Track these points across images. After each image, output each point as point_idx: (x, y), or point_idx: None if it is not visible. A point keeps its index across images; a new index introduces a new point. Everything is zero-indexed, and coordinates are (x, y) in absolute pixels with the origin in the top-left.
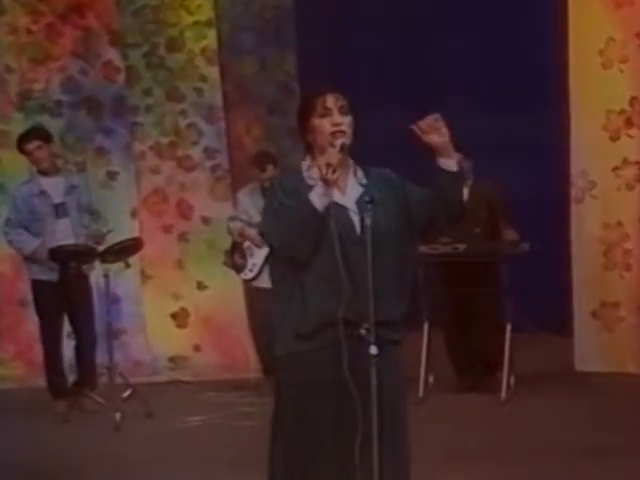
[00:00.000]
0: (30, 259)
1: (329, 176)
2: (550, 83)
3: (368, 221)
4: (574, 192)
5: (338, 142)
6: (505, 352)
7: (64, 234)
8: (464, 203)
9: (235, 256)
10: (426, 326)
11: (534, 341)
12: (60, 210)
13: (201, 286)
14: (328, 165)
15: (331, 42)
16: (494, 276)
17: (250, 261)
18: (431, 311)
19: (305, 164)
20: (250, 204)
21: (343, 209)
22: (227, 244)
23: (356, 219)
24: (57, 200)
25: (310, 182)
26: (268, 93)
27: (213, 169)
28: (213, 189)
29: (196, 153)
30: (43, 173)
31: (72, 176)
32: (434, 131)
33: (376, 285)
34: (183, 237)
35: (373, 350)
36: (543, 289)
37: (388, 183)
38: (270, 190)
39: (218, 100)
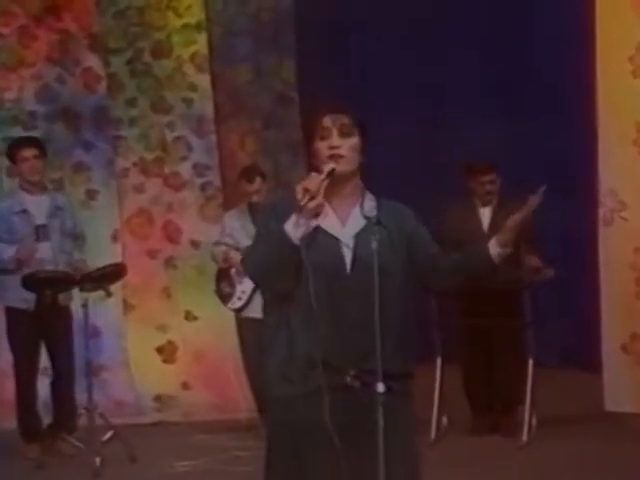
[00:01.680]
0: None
1: (306, 203)
2: (575, 94)
3: (374, 245)
4: (602, 213)
5: (327, 167)
6: (527, 390)
7: (43, 259)
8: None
9: (222, 284)
10: (439, 361)
11: (559, 378)
12: (41, 232)
13: (190, 317)
14: (305, 190)
15: (334, 47)
16: (515, 306)
17: (239, 288)
18: (445, 345)
19: None
20: (237, 227)
21: (334, 242)
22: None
23: (348, 255)
24: (39, 221)
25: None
26: (264, 104)
27: (203, 187)
28: (203, 209)
29: (185, 170)
30: (27, 190)
31: (58, 196)
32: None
33: (369, 329)
34: (170, 263)
35: (380, 388)
36: (568, 320)
37: (400, 220)
38: (263, 213)
39: (209, 111)
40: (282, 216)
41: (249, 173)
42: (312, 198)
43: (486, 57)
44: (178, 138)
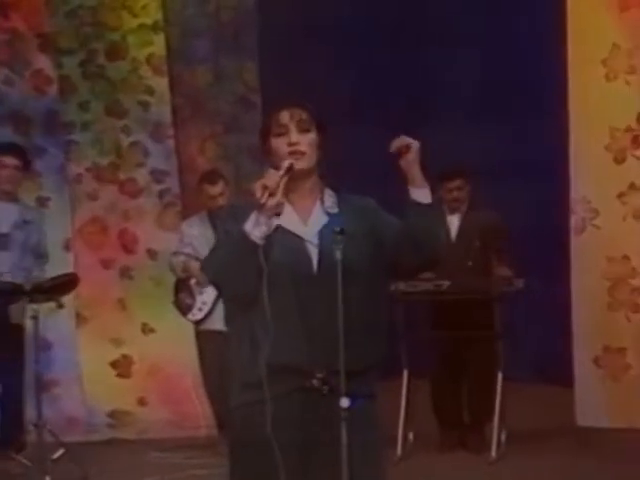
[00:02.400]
0: None
1: (264, 201)
2: (546, 98)
3: (338, 254)
4: (574, 221)
5: (285, 163)
6: (496, 404)
7: None
8: (439, 244)
9: (181, 295)
10: (405, 375)
11: (529, 392)
12: (1, 242)
13: (147, 329)
14: (264, 187)
15: (298, 48)
16: (484, 317)
17: (199, 299)
18: (411, 358)
19: None
20: (197, 235)
21: (299, 241)
22: None
23: (314, 253)
24: (1, 230)
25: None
26: (225, 107)
27: (161, 194)
28: (161, 217)
29: (141, 176)
30: None
31: (29, 211)
32: (402, 154)
33: (338, 330)
34: (126, 273)
35: (344, 403)
36: (539, 332)
37: (362, 213)
38: (221, 217)
39: (167, 115)
40: (241, 218)
41: (211, 176)
42: (271, 195)
43: (454, 58)
44: (134, 143)
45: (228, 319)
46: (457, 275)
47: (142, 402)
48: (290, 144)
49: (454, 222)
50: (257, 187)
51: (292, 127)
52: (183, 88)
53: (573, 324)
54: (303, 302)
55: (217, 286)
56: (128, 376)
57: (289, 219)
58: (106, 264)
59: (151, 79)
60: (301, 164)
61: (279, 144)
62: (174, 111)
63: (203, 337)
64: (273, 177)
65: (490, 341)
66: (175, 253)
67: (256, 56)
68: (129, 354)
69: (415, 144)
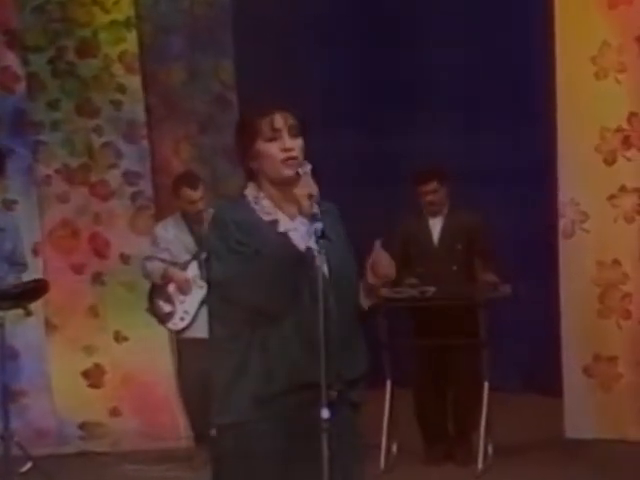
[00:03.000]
0: None
1: (315, 210)
2: (533, 97)
3: (322, 260)
4: (563, 225)
5: (307, 168)
6: (482, 415)
7: None
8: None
9: (158, 301)
10: (388, 385)
11: (516, 402)
12: None
13: (119, 337)
14: (310, 196)
15: (275, 46)
16: (469, 325)
17: (180, 308)
18: (395, 367)
19: (251, 194)
20: (171, 239)
21: (309, 251)
22: None
23: (324, 260)
24: None
25: (266, 217)
26: (200, 106)
27: (134, 197)
28: (134, 221)
29: (113, 178)
30: None
31: (3, 217)
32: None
33: (342, 337)
34: (97, 279)
35: (325, 414)
36: (527, 340)
37: (335, 218)
38: (217, 225)
39: (140, 115)
40: (245, 227)
41: (191, 179)
42: (317, 204)
43: (438, 57)
44: (106, 144)
45: (232, 334)
46: (442, 280)
47: (115, 413)
48: (285, 149)
49: (436, 226)
50: (304, 197)
51: (285, 132)
52: (157, 87)
53: (562, 332)
54: (324, 311)
55: (251, 303)
56: (100, 386)
57: (286, 227)
58: (77, 269)
59: (123, 77)
60: (295, 170)
61: (272, 149)
62: (148, 110)
63: (184, 346)
64: (312, 184)
65: (475, 349)
66: (149, 257)
67: (232, 53)
68: (101, 363)
69: (393, 275)
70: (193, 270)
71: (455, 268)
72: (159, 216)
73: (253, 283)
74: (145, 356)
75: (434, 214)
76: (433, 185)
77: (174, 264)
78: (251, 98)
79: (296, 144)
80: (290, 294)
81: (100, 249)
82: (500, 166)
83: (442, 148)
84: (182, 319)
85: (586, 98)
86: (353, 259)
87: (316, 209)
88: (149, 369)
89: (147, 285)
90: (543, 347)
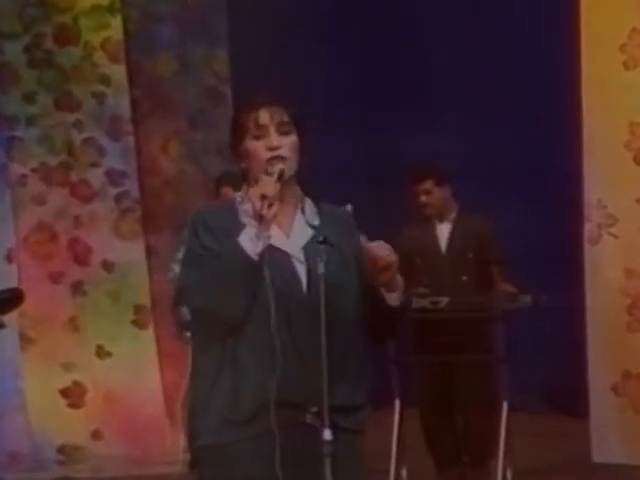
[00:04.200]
0: None
1: (264, 212)
2: (557, 89)
3: (321, 269)
4: (588, 229)
5: (275, 169)
6: (500, 438)
7: None
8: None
9: (181, 309)
10: (397, 404)
11: (538, 424)
12: None
13: (102, 353)
14: (263, 197)
15: (272, 35)
16: (485, 339)
17: None
18: (404, 385)
19: (239, 196)
20: None
21: (285, 257)
22: (137, 297)
23: (302, 271)
24: None
25: (245, 220)
26: (191, 100)
27: (118, 199)
28: (118, 225)
29: (95, 177)
30: None
31: None
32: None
33: (330, 359)
34: (78, 288)
35: (327, 435)
36: (549, 356)
37: (345, 226)
38: (190, 230)
39: (125, 109)
40: (217, 231)
41: (233, 179)
42: (271, 205)
43: (452, 47)
44: (87, 140)
45: (202, 347)
46: (450, 292)
47: (97, 435)
48: (270, 148)
49: (443, 232)
50: (255, 196)
51: (272, 129)
52: (143, 78)
53: (588, 346)
54: (293, 327)
55: (204, 314)
56: (80, 406)
57: (272, 232)
58: (55, 278)
59: (107, 67)
60: (283, 168)
61: (257, 148)
62: (133, 104)
63: None
64: (270, 184)
65: (492, 366)
66: (178, 261)
67: (226, 43)
68: (82, 381)
69: (395, 260)
70: None
71: (465, 278)
72: (147, 220)
73: (204, 288)
74: (130, 373)
75: (442, 219)
76: (427, 185)
77: None
78: (246, 91)
79: (286, 142)
80: (247, 302)
81: (81, 256)
82: (519, 166)
83: (454, 147)
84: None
85: (614, 90)
86: (352, 273)
87: (265, 212)
88: (135, 387)
89: (133, 295)
90: (567, 363)
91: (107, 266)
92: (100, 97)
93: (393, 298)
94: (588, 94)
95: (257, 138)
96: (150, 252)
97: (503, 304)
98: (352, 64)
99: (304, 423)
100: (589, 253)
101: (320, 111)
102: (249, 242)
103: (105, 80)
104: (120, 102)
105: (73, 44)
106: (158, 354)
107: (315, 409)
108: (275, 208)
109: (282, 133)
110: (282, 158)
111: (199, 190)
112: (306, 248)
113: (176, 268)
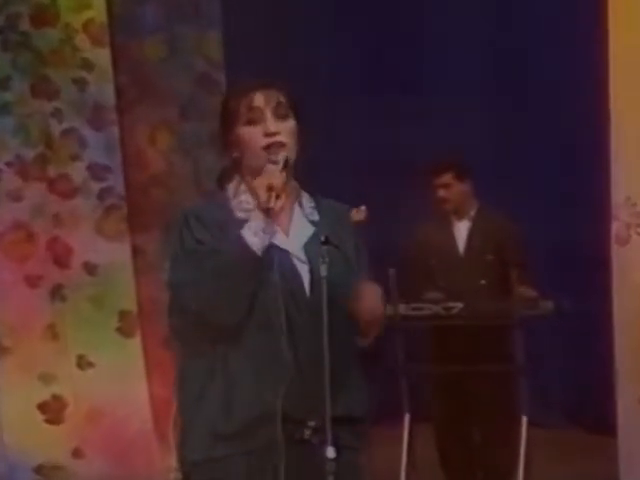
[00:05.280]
0: None
1: (272, 204)
2: (579, 73)
3: (323, 271)
4: (616, 229)
5: (280, 156)
6: (520, 455)
7: None
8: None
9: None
10: (406, 419)
11: (561, 440)
12: None
13: (84, 363)
14: (270, 188)
15: (271, 16)
16: (503, 347)
17: None
18: (414, 397)
19: (231, 188)
20: None
21: (285, 255)
22: (122, 302)
23: (304, 271)
24: None
25: (241, 214)
26: (181, 87)
27: (101, 195)
28: (101, 224)
29: (76, 172)
30: None
31: None
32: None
33: (333, 367)
34: (57, 292)
35: (330, 453)
36: (572, 366)
37: (345, 222)
38: (180, 225)
39: (109, 96)
40: (211, 225)
41: (221, 178)
42: (278, 196)
43: (474, 39)
44: (67, 131)
45: (191, 353)
46: (468, 297)
47: (78, 454)
48: (267, 134)
49: (461, 231)
50: (261, 187)
51: (268, 113)
52: (129, 63)
53: (615, 356)
54: (294, 331)
55: (199, 315)
56: (60, 421)
57: (257, 228)
58: (32, 282)
59: (89, 51)
60: (288, 156)
61: (252, 134)
62: (118, 92)
63: None
64: (276, 174)
65: (511, 377)
66: None
67: (219, 25)
68: (61, 394)
69: (382, 316)
70: None
71: (484, 282)
72: (133, 218)
73: (200, 287)
74: (115, 386)
75: (461, 216)
76: (447, 178)
77: None
78: (241, 78)
79: (284, 127)
80: (247, 303)
81: (60, 257)
82: (539, 161)
83: (468, 140)
84: None
85: None
86: (355, 274)
87: (273, 204)
88: (120, 401)
89: (118, 300)
90: (592, 374)
91: (89, 268)
92: (81, 84)
93: (363, 342)
94: (615, 81)
95: (251, 123)
96: (137, 253)
97: (522, 310)
98: (359, 48)
99: (302, 440)
100: (617, 254)
101: (322, 98)
102: (254, 236)
103: (87, 65)
104: (103, 89)
105: (51, 25)
106: (146, 365)
107: (314, 423)
108: (282, 200)
109: (279, 117)
110: (281, 144)
111: (190, 185)
112: (307, 246)
113: None
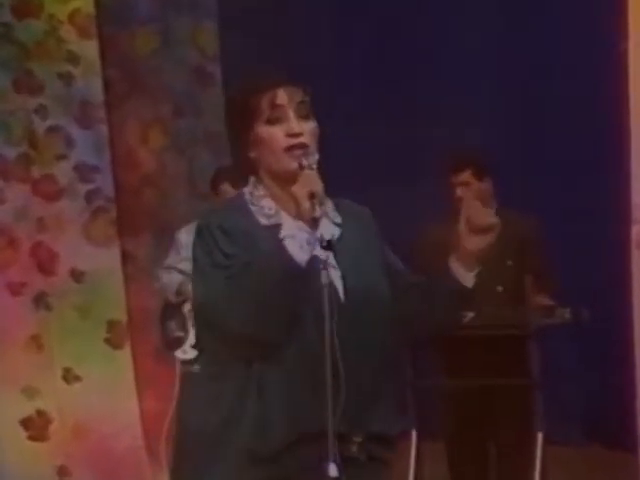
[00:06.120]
0: None
1: (317, 213)
2: (599, 75)
3: (325, 278)
4: (636, 233)
5: (312, 160)
6: (535, 474)
7: None
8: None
9: (169, 324)
10: (414, 436)
11: (580, 458)
12: None
13: (70, 376)
14: (312, 196)
15: (269, 6)
16: (517, 359)
17: (193, 333)
18: (422, 413)
19: (248, 192)
20: None
21: (324, 265)
22: (111, 311)
23: (336, 276)
24: None
25: (264, 220)
26: (175, 82)
27: (89, 197)
28: (89, 227)
29: (62, 172)
30: None
31: None
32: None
33: (366, 379)
34: (42, 301)
35: (332, 472)
36: (592, 379)
37: (368, 225)
38: (201, 236)
39: (96, 92)
40: (236, 235)
41: (234, 174)
42: (322, 203)
43: (488, 40)
44: (52, 128)
45: (217, 373)
46: (483, 305)
47: (63, 472)
48: (291, 134)
49: None
50: (303, 196)
51: (291, 112)
52: (118, 56)
53: (637, 368)
54: (331, 342)
55: (242, 332)
56: (44, 438)
57: (289, 234)
58: (15, 289)
59: (75, 44)
60: (306, 161)
61: (273, 134)
62: (106, 87)
63: (189, 380)
64: (316, 181)
65: (526, 391)
66: (167, 268)
67: (215, 14)
68: (46, 409)
69: (499, 224)
70: None
71: (500, 289)
72: (123, 221)
73: (240, 305)
74: (103, 400)
75: None
76: (465, 176)
77: None
78: (238, 71)
79: (306, 128)
80: (290, 320)
81: (45, 263)
82: (555, 159)
83: (490, 142)
84: (193, 347)
85: None
86: (385, 280)
87: (319, 212)
88: (109, 416)
89: (106, 309)
90: (612, 388)
91: (76, 275)
92: (67, 78)
93: (469, 278)
94: (636, 77)
95: (272, 122)
96: (126, 259)
97: (537, 319)
98: (368, 41)
99: (349, 457)
100: (637, 260)
101: (326, 95)
102: (299, 249)
103: (73, 58)
104: (91, 84)
105: (35, 16)
106: (136, 378)
107: (360, 439)
108: (324, 207)
109: (302, 117)
110: (304, 146)
111: (184, 186)
112: (336, 250)
113: (165, 276)
